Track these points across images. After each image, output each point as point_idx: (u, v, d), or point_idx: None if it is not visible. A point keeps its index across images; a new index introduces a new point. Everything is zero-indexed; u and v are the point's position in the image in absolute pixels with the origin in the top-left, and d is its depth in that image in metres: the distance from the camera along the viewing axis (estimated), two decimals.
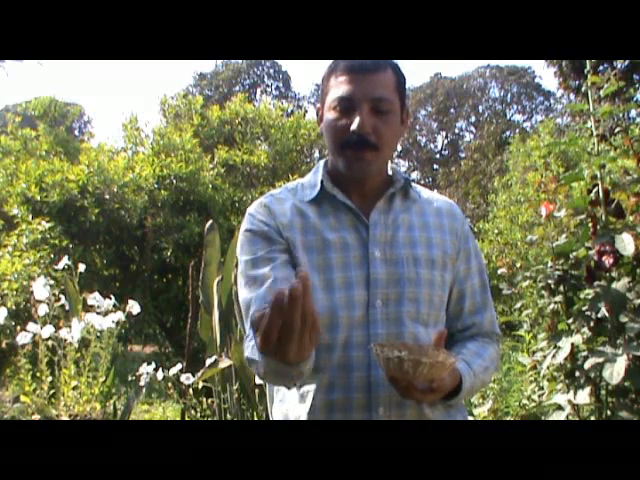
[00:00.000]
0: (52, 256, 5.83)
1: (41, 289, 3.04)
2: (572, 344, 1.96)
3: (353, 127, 1.13)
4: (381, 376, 1.09)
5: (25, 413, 3.00)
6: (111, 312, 3.13)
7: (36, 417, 2.89)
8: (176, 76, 43.60)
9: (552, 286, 2.10)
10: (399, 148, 27.17)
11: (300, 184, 1.27)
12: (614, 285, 1.88)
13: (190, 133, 8.47)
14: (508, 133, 22.65)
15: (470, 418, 2.88)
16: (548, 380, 2.47)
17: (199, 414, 3.29)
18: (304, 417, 1.14)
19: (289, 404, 1.18)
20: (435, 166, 27.60)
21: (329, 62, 1.22)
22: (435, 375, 1.02)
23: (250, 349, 1.08)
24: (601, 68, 9.39)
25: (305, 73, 51.60)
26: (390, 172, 1.25)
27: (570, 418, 1.98)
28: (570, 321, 2.05)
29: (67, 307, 3.38)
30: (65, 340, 2.98)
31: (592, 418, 2.03)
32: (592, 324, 1.95)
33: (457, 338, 1.24)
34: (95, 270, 7.10)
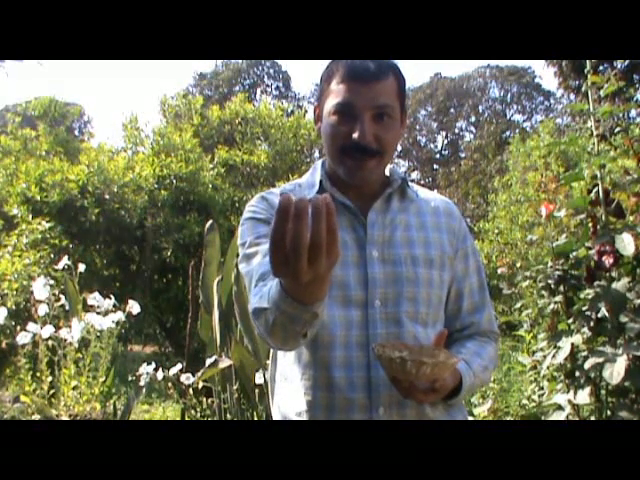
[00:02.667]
0: (52, 256, 5.83)
1: (41, 289, 3.05)
2: (572, 344, 1.96)
3: (355, 136, 1.12)
4: (381, 376, 1.09)
5: (25, 413, 3.00)
6: (111, 312, 3.13)
7: (36, 417, 2.89)
8: (176, 76, 43.59)
9: (552, 286, 2.10)
10: (399, 148, 27.19)
11: (298, 184, 1.27)
12: (614, 285, 1.88)
13: (190, 133, 8.48)
14: (508, 133, 22.64)
15: (470, 418, 2.88)
16: (548, 380, 2.47)
17: (199, 414, 3.29)
18: (304, 415, 1.14)
19: (290, 401, 1.18)
20: (435, 166, 27.59)
21: (329, 62, 1.22)
22: (437, 375, 1.02)
23: (258, 299, 1.02)
24: (601, 68, 9.39)
25: (305, 73, 51.62)
26: (387, 172, 1.26)
27: (570, 418, 1.98)
28: (570, 321, 2.05)
29: (67, 307, 3.38)
30: (65, 340, 2.98)
31: (592, 418, 2.03)
32: (592, 324, 1.95)
33: (456, 337, 1.24)
34: (95, 270, 7.11)
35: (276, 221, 0.71)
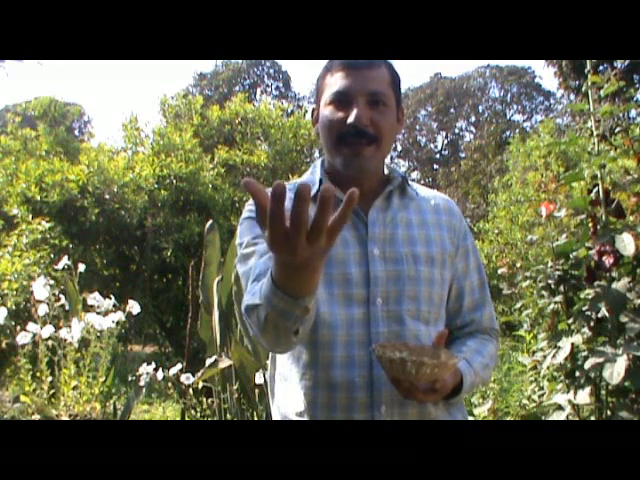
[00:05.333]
0: (52, 256, 5.83)
1: (41, 289, 3.04)
2: (572, 344, 1.96)
3: (350, 120, 1.13)
4: (383, 374, 1.09)
5: (25, 413, 3.00)
6: (111, 312, 3.13)
7: (36, 417, 2.89)
8: (176, 76, 43.56)
9: (552, 286, 2.10)
10: (399, 148, 27.18)
11: (297, 184, 1.27)
12: (614, 285, 1.88)
13: (190, 133, 8.46)
14: (508, 133, 22.63)
15: (470, 418, 2.87)
16: (548, 380, 2.47)
17: (199, 414, 3.29)
18: (305, 415, 1.14)
19: (290, 402, 1.18)
20: (435, 166, 27.58)
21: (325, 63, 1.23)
22: (438, 376, 1.02)
23: (250, 296, 1.02)
24: (601, 68, 9.39)
25: (305, 73, 51.62)
26: (386, 171, 1.26)
27: (570, 418, 1.98)
28: (570, 321, 2.05)
29: (67, 307, 3.38)
30: (65, 340, 2.98)
31: (592, 418, 2.03)
32: (592, 324, 1.95)
33: (456, 335, 1.24)
34: (95, 270, 7.10)
35: (272, 203, 0.71)
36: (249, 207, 1.23)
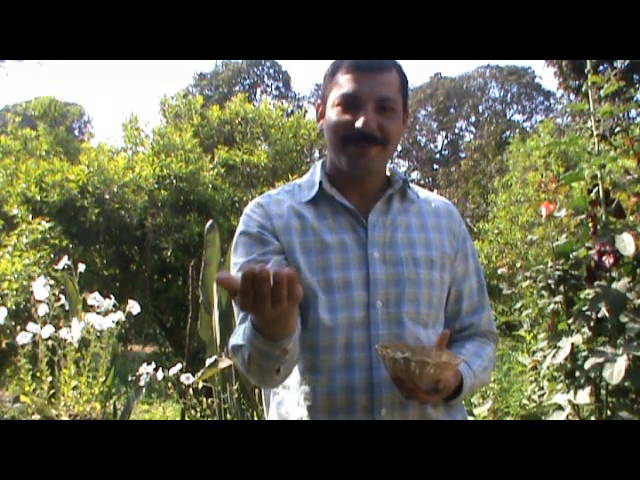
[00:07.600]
0: (52, 256, 5.82)
1: (41, 289, 3.04)
2: (572, 344, 1.96)
3: (358, 125, 1.13)
4: (384, 377, 1.09)
5: (25, 413, 3.00)
6: (111, 312, 3.13)
7: (36, 417, 2.89)
8: (176, 76, 43.44)
9: (552, 286, 2.09)
10: (399, 148, 27.17)
11: (297, 185, 1.27)
12: (614, 285, 1.88)
13: (190, 133, 8.45)
14: (508, 133, 22.60)
15: (470, 418, 2.87)
16: (548, 380, 2.47)
17: (199, 414, 3.29)
18: (305, 419, 1.14)
19: (289, 406, 1.18)
20: (435, 166, 27.55)
21: (329, 62, 1.22)
22: (441, 376, 1.03)
23: (235, 337, 1.08)
24: (601, 68, 9.38)
25: (305, 73, 51.56)
26: (388, 173, 1.26)
27: (570, 418, 1.97)
28: (570, 321, 2.05)
29: (67, 307, 3.37)
30: (65, 340, 2.97)
31: (592, 418, 2.03)
32: (592, 324, 1.95)
33: (455, 338, 1.24)
34: (95, 270, 7.10)
35: (242, 284, 0.83)
36: (245, 217, 1.22)
